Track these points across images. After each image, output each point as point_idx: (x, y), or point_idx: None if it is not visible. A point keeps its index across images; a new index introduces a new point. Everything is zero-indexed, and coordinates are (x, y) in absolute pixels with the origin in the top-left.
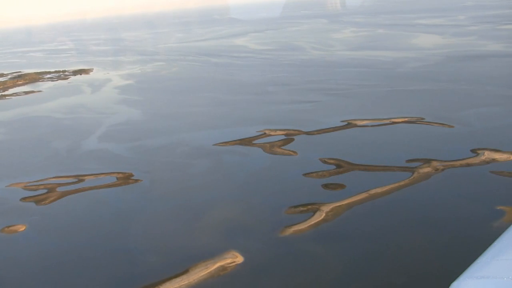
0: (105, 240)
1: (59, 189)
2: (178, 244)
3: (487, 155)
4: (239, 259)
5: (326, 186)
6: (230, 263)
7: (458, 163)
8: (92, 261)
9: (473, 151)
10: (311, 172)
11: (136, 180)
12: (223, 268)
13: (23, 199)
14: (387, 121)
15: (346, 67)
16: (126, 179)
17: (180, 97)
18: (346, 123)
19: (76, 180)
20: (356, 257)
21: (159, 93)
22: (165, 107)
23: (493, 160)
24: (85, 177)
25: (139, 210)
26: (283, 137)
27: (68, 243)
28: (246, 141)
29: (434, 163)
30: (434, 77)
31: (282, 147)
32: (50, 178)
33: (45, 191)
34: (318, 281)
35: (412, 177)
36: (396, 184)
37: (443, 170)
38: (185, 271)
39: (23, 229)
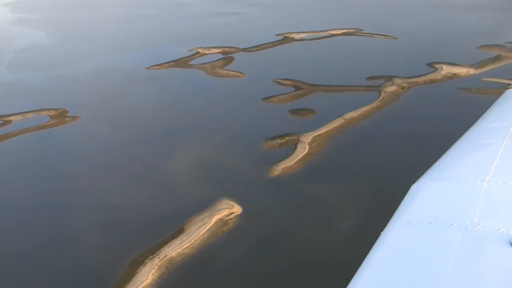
0: (64, 198)
1: None
2: (154, 195)
3: (446, 69)
4: (237, 209)
5: (294, 112)
6: (229, 215)
7: (421, 79)
8: (57, 224)
9: (429, 65)
10: (271, 97)
11: (74, 118)
12: (223, 222)
13: None
14: (325, 33)
15: None
16: (61, 117)
17: (82, 14)
18: (282, 37)
19: (0, 122)
20: (364, 193)
21: (56, 10)
22: (71, 26)
23: (455, 75)
24: (10, 118)
25: (90, 157)
26: (220, 55)
27: (12, 205)
28: (181, 63)
29: (397, 80)
30: None
31: (225, 67)
32: None
33: None
34: (335, 225)
35: (382, 98)
36: (369, 107)
37: (409, 88)
38: (179, 230)
39: None
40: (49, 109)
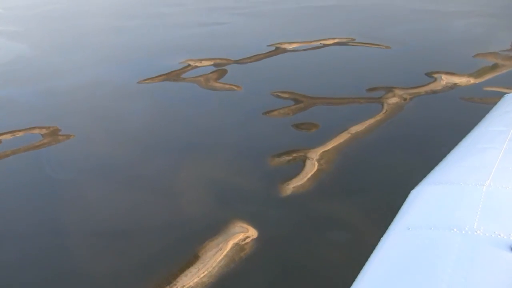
0: (65, 224)
1: None
2: (162, 218)
3: (446, 79)
4: (252, 232)
5: (297, 126)
6: (244, 239)
7: (422, 90)
8: (58, 253)
9: (428, 75)
10: (271, 111)
11: (67, 136)
12: (240, 247)
13: None
14: (317, 44)
15: None
16: (54, 135)
17: (65, 25)
18: (273, 47)
19: None
20: (380, 209)
21: (38, 22)
22: (55, 38)
23: (455, 85)
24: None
25: (89, 179)
26: (213, 68)
27: (8, 234)
28: (174, 76)
29: (398, 91)
30: None
31: (219, 80)
32: None
33: None
34: (356, 247)
35: (385, 111)
36: (373, 120)
37: (411, 99)
38: (194, 257)
39: None
40: (40, 127)
